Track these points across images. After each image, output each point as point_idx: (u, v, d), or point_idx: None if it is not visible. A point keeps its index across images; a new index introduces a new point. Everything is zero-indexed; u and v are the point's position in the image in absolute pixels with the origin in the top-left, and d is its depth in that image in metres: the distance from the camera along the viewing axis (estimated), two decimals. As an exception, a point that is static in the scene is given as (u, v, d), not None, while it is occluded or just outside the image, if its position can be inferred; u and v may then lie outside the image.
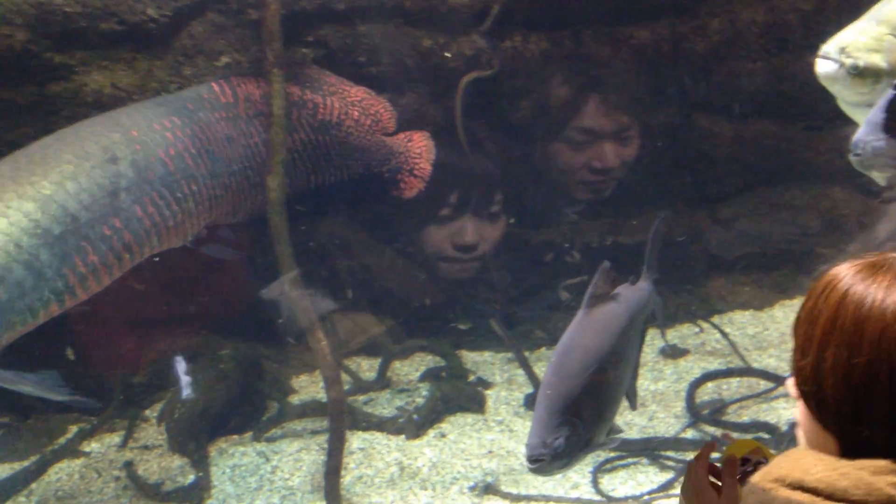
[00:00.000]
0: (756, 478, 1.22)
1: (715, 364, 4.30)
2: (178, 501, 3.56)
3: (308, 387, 4.35)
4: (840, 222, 4.64)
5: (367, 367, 4.47)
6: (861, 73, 2.67)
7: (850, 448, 1.18)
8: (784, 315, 4.64)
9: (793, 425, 3.01)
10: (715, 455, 1.64)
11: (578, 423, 2.44)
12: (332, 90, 3.90)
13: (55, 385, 2.94)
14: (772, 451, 1.57)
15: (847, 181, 4.52)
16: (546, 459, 2.40)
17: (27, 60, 3.77)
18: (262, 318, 4.09)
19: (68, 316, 3.38)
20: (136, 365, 4.18)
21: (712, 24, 4.48)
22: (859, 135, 2.45)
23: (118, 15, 3.82)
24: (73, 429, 4.04)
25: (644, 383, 4.14)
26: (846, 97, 2.82)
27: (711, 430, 3.76)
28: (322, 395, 4.12)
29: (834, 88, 2.80)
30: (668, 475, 3.47)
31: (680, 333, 4.61)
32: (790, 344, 1.28)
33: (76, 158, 2.98)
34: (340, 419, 3.40)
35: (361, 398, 4.22)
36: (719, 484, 1.54)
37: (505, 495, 3.41)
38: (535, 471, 2.47)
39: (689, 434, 3.77)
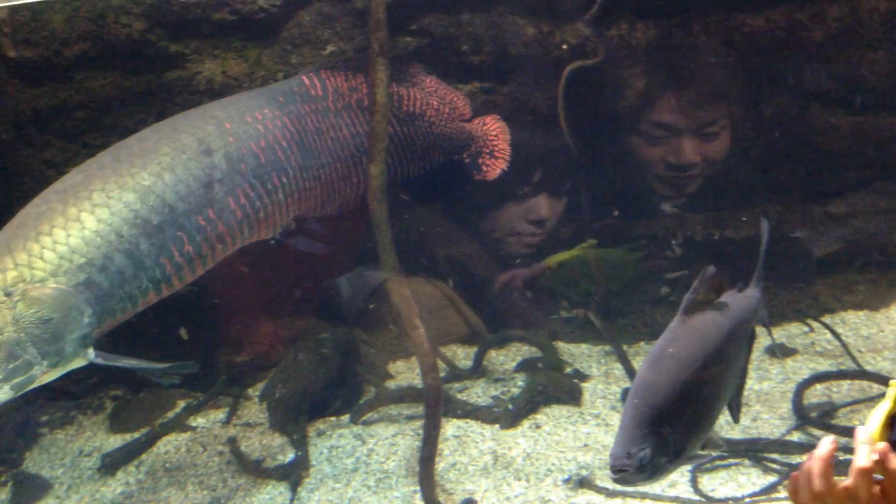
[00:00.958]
0: None
1: (825, 365, 4.13)
2: (278, 478, 3.64)
3: (404, 373, 4.39)
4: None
5: (462, 356, 4.49)
6: None
7: None
8: (902, 317, 4.42)
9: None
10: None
11: (667, 434, 2.33)
12: (413, 81, 3.91)
13: (151, 362, 2.99)
14: None
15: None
16: (629, 471, 2.30)
17: (144, 49, 3.92)
18: (360, 303, 4.17)
19: (181, 297, 3.51)
20: (241, 345, 4.32)
21: (831, 12, 4.28)
22: None
23: (230, 5, 3.93)
24: (181, 404, 4.20)
25: (748, 382, 4.00)
26: None
27: (819, 433, 3.61)
28: (418, 382, 4.17)
29: None
30: (772, 478, 3.36)
31: (788, 332, 4.44)
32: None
33: (173, 150, 3.01)
34: (436, 406, 3.41)
35: (457, 386, 4.24)
36: None
37: (600, 490, 3.37)
38: (618, 481, 2.37)
39: (796, 437, 3.63)
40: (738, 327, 2.60)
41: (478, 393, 4.18)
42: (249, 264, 4.07)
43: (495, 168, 4.04)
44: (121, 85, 3.93)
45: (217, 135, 3.12)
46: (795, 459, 3.44)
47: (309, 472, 3.66)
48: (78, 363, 2.77)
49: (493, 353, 4.48)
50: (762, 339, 4.22)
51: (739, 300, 2.67)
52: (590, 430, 3.80)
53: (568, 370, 4.26)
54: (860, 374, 3.97)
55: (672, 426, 2.34)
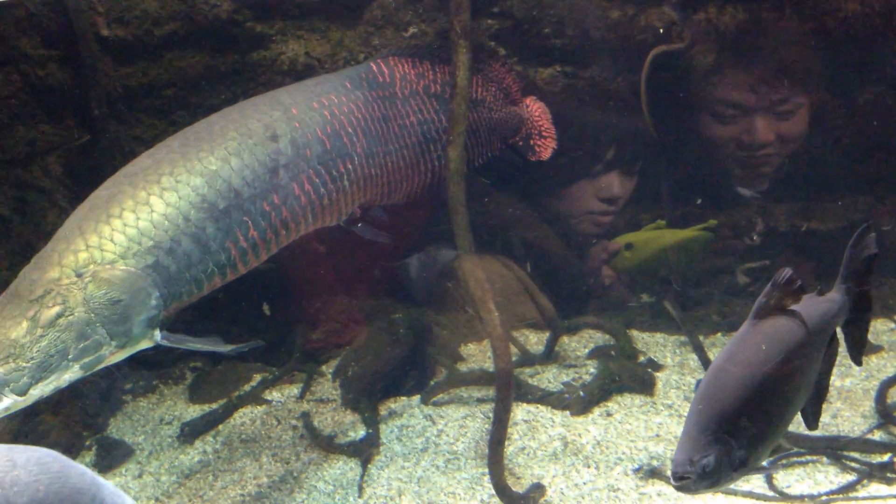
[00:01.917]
0: None
1: (911, 364, 3.99)
2: (349, 455, 3.70)
3: (476, 355, 4.41)
4: None
5: (535, 341, 4.48)
6: None
7: None
8: None
9: None
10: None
11: (732, 442, 2.25)
12: (476, 67, 3.88)
13: (217, 343, 3.01)
14: None
15: None
16: (691, 478, 2.23)
17: (231, 29, 4.00)
18: (429, 282, 4.20)
19: (260, 273, 3.57)
20: (316, 322, 4.39)
21: (931, -3, 4.10)
22: None
23: (315, -15, 3.98)
24: (258, 378, 4.30)
25: (830, 378, 3.89)
26: None
27: (903, 434, 3.50)
28: (489, 365, 4.18)
29: None
30: (850, 476, 3.26)
31: (873, 328, 4.29)
32: None
33: (240, 135, 3.02)
34: (507, 390, 3.41)
35: (528, 371, 4.23)
36: None
37: (670, 480, 3.32)
38: (679, 489, 2.29)
39: (878, 436, 3.52)
40: (813, 334, 2.45)
41: (549, 378, 4.16)
42: (326, 243, 4.13)
43: (547, 148, 4.02)
44: (208, 64, 4.02)
45: (283, 120, 3.13)
46: (876, 458, 3.33)
47: (379, 450, 3.71)
48: (145, 345, 2.80)
49: (565, 339, 4.45)
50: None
51: (817, 305, 2.52)
52: (662, 420, 3.75)
53: (641, 359, 4.21)
54: (949, 374, 3.82)
55: (737, 434, 2.25)
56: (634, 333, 4.44)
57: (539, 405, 3.93)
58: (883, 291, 4.37)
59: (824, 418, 3.63)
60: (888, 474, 3.25)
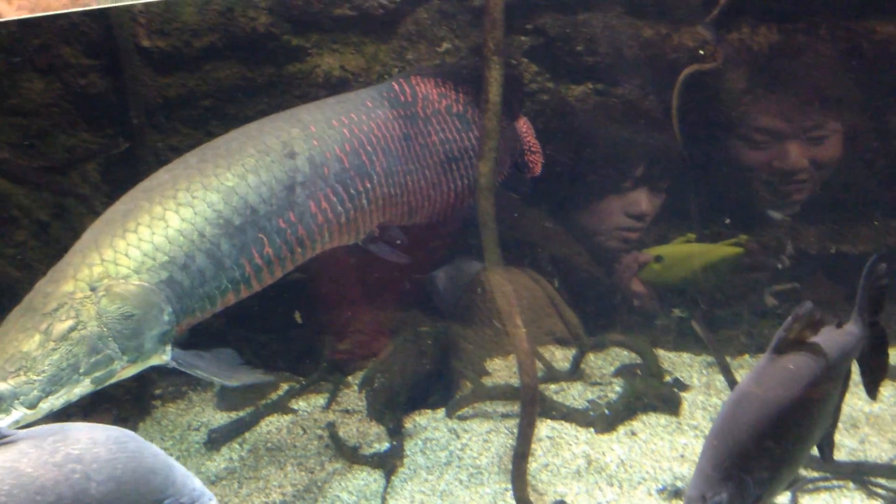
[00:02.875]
0: None
1: (942, 391, 3.94)
2: (373, 466, 3.71)
3: (501, 370, 4.41)
4: None
5: (560, 357, 4.47)
6: None
7: None
8: None
9: None
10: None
11: (746, 479, 2.20)
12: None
13: (232, 362, 2.95)
14: None
15: None
16: None
17: (268, 42, 4.06)
18: (455, 295, 4.22)
19: (295, 283, 3.60)
20: (343, 333, 4.42)
21: (970, 20, 4.06)
22: None
23: (351, 0, 4.03)
24: (284, 387, 4.34)
25: (858, 403, 3.86)
26: None
27: (933, 462, 3.45)
28: (514, 380, 4.18)
29: None
30: (876, 503, 3.23)
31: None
32: None
33: (257, 152, 3.00)
34: (532, 406, 3.41)
35: (553, 387, 4.23)
36: None
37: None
38: None
39: (906, 464, 3.48)
40: (831, 368, 2.42)
41: (574, 395, 4.16)
42: (355, 255, 4.16)
43: (537, 163, 4.01)
44: (244, 76, 4.08)
45: (301, 138, 3.11)
46: (905, 487, 3.29)
47: (403, 462, 3.72)
48: (156, 360, 2.78)
49: (591, 357, 4.45)
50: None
51: (836, 338, 2.48)
52: (687, 441, 3.73)
53: (667, 378, 4.19)
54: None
55: (752, 471, 2.21)
56: (661, 352, 4.43)
57: (563, 422, 3.92)
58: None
59: (851, 443, 3.60)
60: (917, 502, 3.21)
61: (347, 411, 4.16)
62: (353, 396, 4.27)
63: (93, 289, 2.63)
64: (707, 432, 3.75)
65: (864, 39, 4.11)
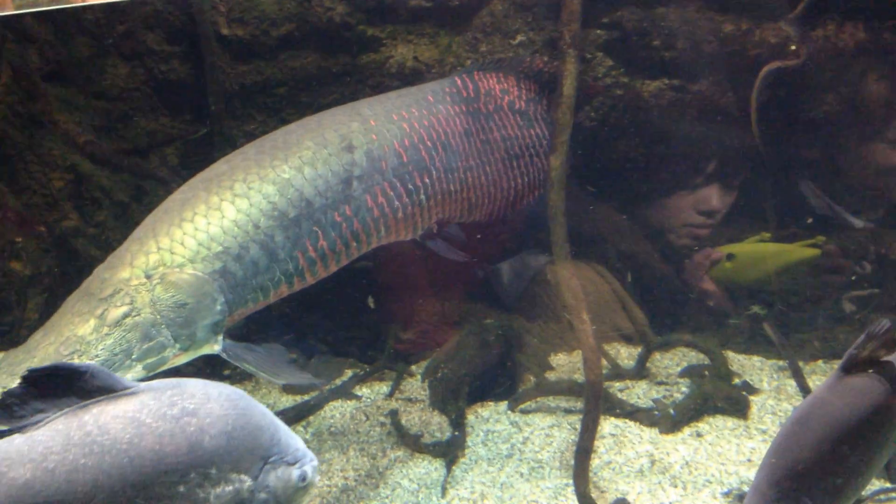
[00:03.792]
0: None
1: None
2: (434, 455, 3.74)
3: (565, 366, 4.38)
4: None
5: (625, 355, 4.42)
6: None
7: None
8: None
9: None
10: None
11: (805, 500, 2.12)
12: (543, 78, 3.81)
13: (280, 359, 2.95)
14: None
15: None
16: None
17: (343, 32, 4.10)
18: (519, 288, 4.20)
19: (363, 271, 3.63)
20: (408, 323, 4.45)
21: None
22: None
23: (428, -9, 4.04)
24: (349, 373, 4.39)
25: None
26: None
27: None
28: (578, 376, 4.15)
29: None
30: (955, 521, 3.11)
31: None
32: None
33: (315, 145, 3.00)
34: (596, 402, 3.39)
35: (617, 385, 4.19)
36: None
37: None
38: None
39: None
40: None
41: (638, 394, 4.11)
42: (421, 246, 4.18)
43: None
44: (319, 65, 4.12)
45: (360, 132, 3.10)
46: None
47: (464, 453, 3.73)
48: (207, 350, 2.79)
49: (657, 356, 4.39)
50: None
51: None
52: (755, 445, 3.65)
53: (736, 381, 4.10)
54: None
55: (811, 492, 2.13)
56: (730, 354, 4.34)
57: (627, 420, 3.88)
58: None
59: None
60: None
61: (410, 400, 4.19)
62: (416, 385, 4.29)
63: (148, 276, 2.66)
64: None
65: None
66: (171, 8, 4.00)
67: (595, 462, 3.56)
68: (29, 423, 1.75)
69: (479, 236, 3.70)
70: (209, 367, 4.17)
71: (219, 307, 2.73)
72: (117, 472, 1.72)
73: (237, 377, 4.43)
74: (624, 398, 4.02)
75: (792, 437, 2.20)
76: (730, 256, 4.21)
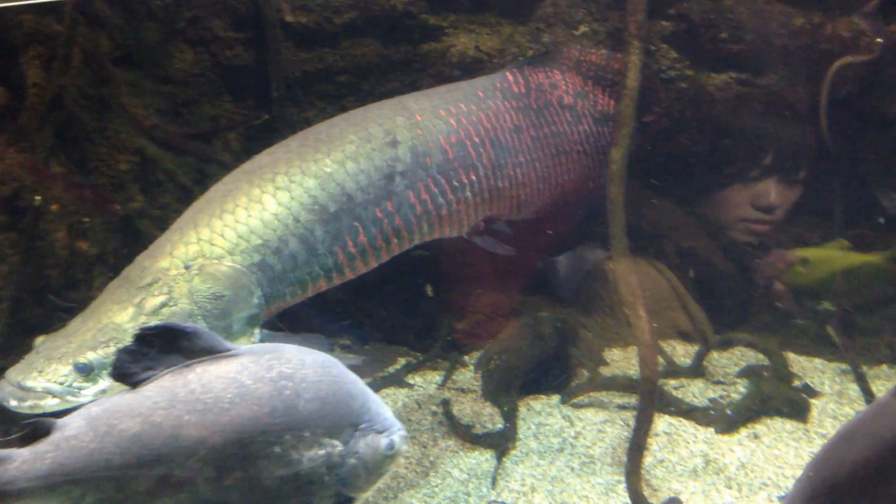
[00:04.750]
0: None
1: None
2: (485, 446, 3.73)
3: (620, 361, 4.34)
4: None
5: (681, 353, 4.36)
6: None
7: None
8: None
9: None
10: None
11: None
12: (610, 76, 3.74)
13: (320, 347, 2.92)
14: None
15: None
16: None
17: (405, 20, 4.11)
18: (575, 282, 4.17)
19: (418, 260, 3.64)
20: (462, 313, 4.45)
21: None
22: None
23: (492, -20, 4.02)
24: (402, 361, 4.41)
25: None
26: None
27: None
28: (632, 372, 4.11)
29: None
30: None
31: None
32: None
33: (358, 139, 2.97)
34: (651, 399, 3.35)
35: (672, 382, 4.13)
36: None
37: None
38: None
39: None
40: None
41: (694, 393, 4.04)
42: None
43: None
44: (381, 53, 4.14)
45: (405, 127, 3.06)
46: None
47: (515, 445, 3.72)
48: (244, 342, 2.76)
49: (714, 355, 4.31)
50: None
51: None
52: (814, 449, 3.57)
53: (796, 383, 4.01)
54: None
55: None
56: (791, 356, 4.25)
57: (682, 419, 3.83)
58: None
59: None
60: None
61: (462, 390, 4.19)
62: (468, 376, 4.29)
63: (187, 267, 2.66)
64: (836, 442, 3.58)
65: None
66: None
67: (648, 460, 3.52)
68: (139, 380, 1.84)
69: (542, 226, 3.67)
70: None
71: (256, 300, 2.72)
72: (218, 430, 1.79)
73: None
74: (679, 396, 3.97)
75: (834, 451, 2.07)
76: (804, 261, 4.09)
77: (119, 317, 2.58)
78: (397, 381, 4.25)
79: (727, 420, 3.74)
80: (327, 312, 4.10)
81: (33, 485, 1.74)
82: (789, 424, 3.76)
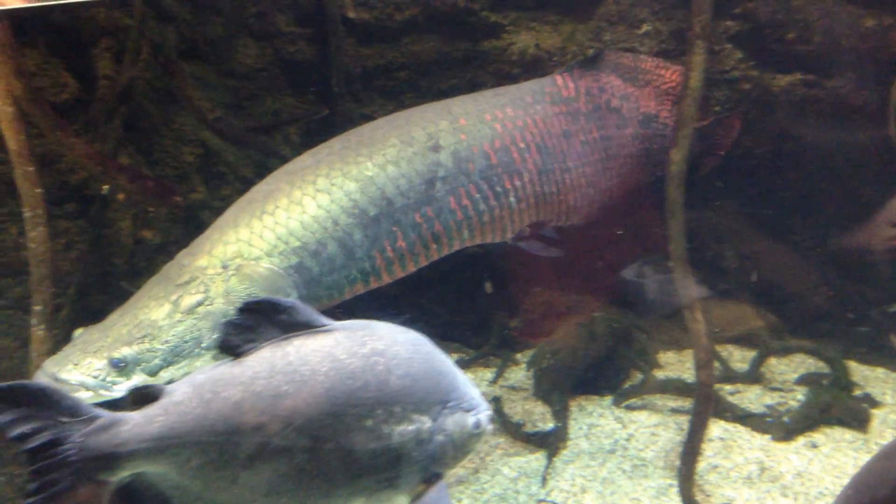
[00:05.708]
0: None
1: None
2: (536, 445, 3.73)
3: (674, 364, 4.29)
4: None
5: (738, 358, 4.29)
6: None
7: None
8: None
9: None
10: None
11: None
12: (648, 78, 3.68)
13: None
14: None
15: None
16: None
17: (466, 18, 4.11)
18: (632, 292, 4.12)
19: (474, 257, 3.63)
20: (516, 311, 4.44)
21: None
22: None
23: (554, -22, 4.00)
24: (454, 357, 4.42)
25: None
26: None
27: None
28: (687, 375, 4.06)
29: None
30: None
31: None
32: None
33: (401, 143, 2.95)
34: (706, 404, 3.30)
35: (728, 388, 4.07)
36: None
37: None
38: None
39: None
40: None
41: (750, 399, 3.98)
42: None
43: (706, 166, 3.78)
44: (441, 50, 4.15)
45: (449, 131, 3.03)
46: None
47: (566, 445, 3.71)
48: None
49: (773, 361, 4.24)
50: None
51: None
52: (874, 460, 3.49)
53: (858, 392, 3.92)
54: None
55: None
56: (852, 364, 4.15)
57: (737, 424, 3.77)
58: None
59: None
60: None
61: (514, 388, 4.19)
62: (520, 374, 4.29)
63: (224, 266, 2.66)
64: (898, 455, 3.50)
65: None
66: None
67: (701, 465, 3.47)
68: (241, 351, 1.91)
69: (619, 232, 3.64)
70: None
71: None
72: (314, 401, 1.84)
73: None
74: (735, 402, 3.91)
75: (875, 472, 2.04)
76: None
77: (155, 313, 2.59)
78: (448, 377, 4.26)
79: (784, 427, 3.67)
80: (383, 307, 4.12)
81: (144, 447, 1.82)
82: (849, 434, 3.68)
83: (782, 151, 4.04)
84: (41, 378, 2.49)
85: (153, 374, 2.55)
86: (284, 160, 3.96)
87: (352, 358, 1.88)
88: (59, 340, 2.90)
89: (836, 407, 3.74)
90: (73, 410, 1.79)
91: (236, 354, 1.92)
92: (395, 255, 2.89)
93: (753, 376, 4.10)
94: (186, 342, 2.56)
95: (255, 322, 1.92)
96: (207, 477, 1.84)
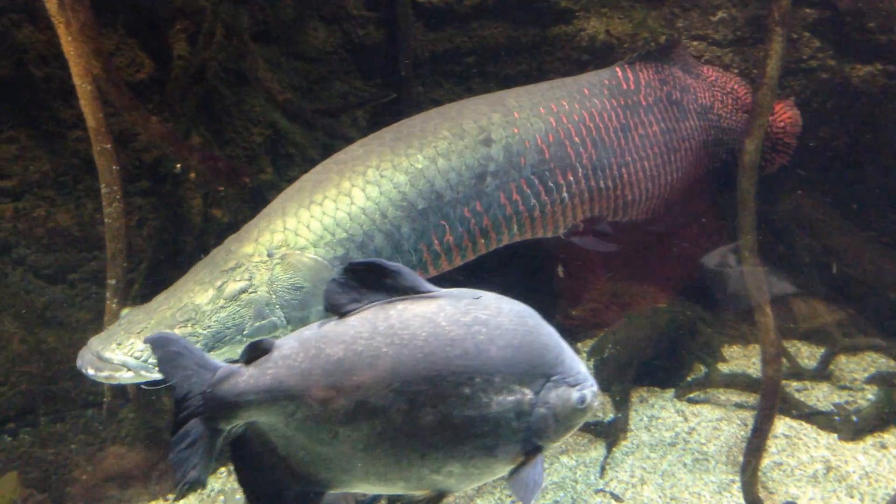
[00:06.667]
0: None
1: None
2: (596, 434, 3.71)
3: (739, 359, 4.22)
4: None
5: (806, 354, 4.20)
6: None
7: None
8: None
9: None
10: None
11: None
12: (696, 72, 3.59)
13: None
14: None
15: None
16: None
17: (535, 3, 4.07)
18: (703, 283, 4.04)
19: (540, 243, 3.61)
20: (577, 300, 4.41)
21: None
22: None
23: (627, -37, 3.93)
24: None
25: None
26: None
27: None
28: (752, 370, 3.98)
29: None
30: None
31: None
32: None
33: (452, 136, 2.90)
34: (773, 399, 3.24)
35: (795, 384, 3.98)
36: None
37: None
38: None
39: None
40: None
41: (818, 396, 3.89)
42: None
43: (774, 163, 3.67)
44: (509, 35, 4.12)
45: (501, 124, 2.98)
46: None
47: (626, 436, 3.68)
48: None
49: (842, 358, 4.13)
50: None
51: None
52: (947, 464, 3.39)
53: (930, 394, 3.81)
54: None
55: None
56: (926, 365, 4.03)
57: (803, 422, 3.70)
58: None
59: None
60: None
61: (574, 377, 4.16)
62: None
63: (270, 255, 2.65)
64: (972, 459, 3.39)
65: None
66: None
67: (765, 461, 3.41)
68: (346, 311, 1.96)
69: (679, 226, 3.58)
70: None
71: None
72: (412, 364, 1.88)
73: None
74: (802, 399, 3.83)
75: None
76: None
77: (199, 298, 2.59)
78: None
79: (852, 426, 3.58)
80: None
81: (258, 397, 1.91)
82: (921, 436, 3.58)
83: (861, 144, 3.92)
84: (85, 355, 2.53)
85: None
86: (351, 143, 4.00)
87: (452, 325, 1.90)
88: (132, 314, 2.97)
89: (909, 408, 3.64)
90: (201, 361, 1.94)
91: (342, 314, 1.96)
92: (443, 250, 2.86)
93: (822, 373, 4.01)
94: (228, 328, 2.55)
95: (361, 283, 1.96)
96: (310, 429, 1.91)
